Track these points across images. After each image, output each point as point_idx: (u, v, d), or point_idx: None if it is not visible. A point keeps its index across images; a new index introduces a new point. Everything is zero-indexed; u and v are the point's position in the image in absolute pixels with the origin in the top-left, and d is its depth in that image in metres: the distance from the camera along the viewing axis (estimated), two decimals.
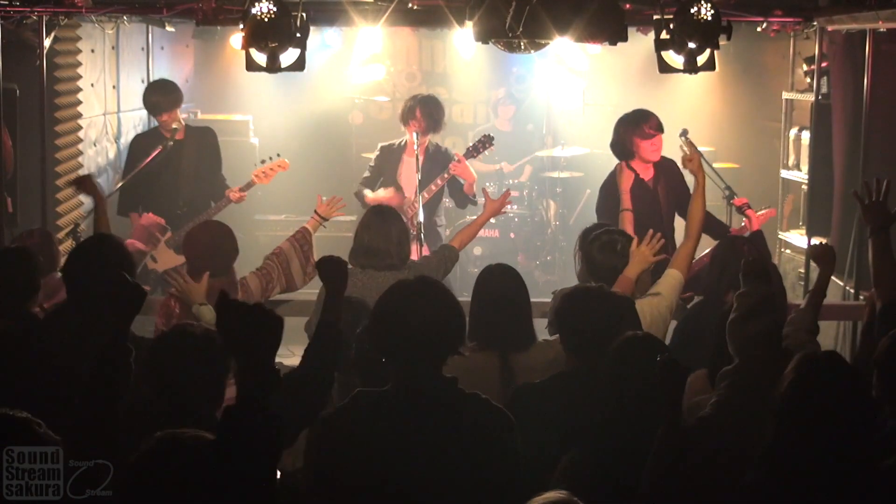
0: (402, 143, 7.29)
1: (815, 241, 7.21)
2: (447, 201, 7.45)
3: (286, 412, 3.26)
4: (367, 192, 7.13)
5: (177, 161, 7.04)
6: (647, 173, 6.20)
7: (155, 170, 6.96)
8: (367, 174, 7.35)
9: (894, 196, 4.52)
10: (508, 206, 9.38)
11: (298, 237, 5.41)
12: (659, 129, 6.14)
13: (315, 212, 5.57)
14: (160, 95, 7.11)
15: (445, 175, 7.05)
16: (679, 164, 5.79)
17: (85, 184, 5.54)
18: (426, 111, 7.05)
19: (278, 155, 6.97)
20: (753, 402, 3.34)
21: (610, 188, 6.21)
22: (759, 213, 6.71)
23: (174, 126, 7.00)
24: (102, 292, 3.60)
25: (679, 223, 6.20)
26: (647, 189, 6.16)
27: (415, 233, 6.53)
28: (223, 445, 2.36)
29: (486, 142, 7.25)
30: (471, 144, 7.31)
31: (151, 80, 9.02)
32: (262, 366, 2.37)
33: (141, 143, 7.17)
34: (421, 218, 6.41)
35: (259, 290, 5.13)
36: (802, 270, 7.36)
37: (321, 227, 5.60)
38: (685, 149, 6.56)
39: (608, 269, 4.71)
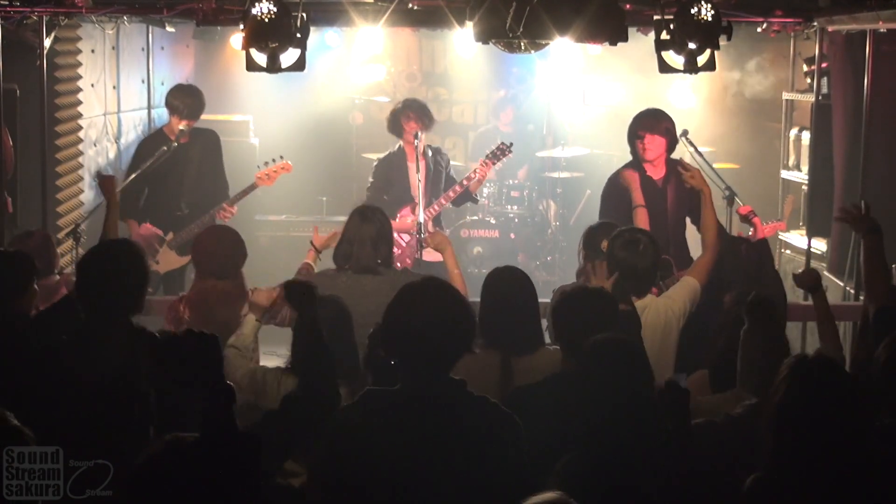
0: (398, 149, 7.26)
1: (815, 246, 7.23)
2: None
3: (289, 431, 3.30)
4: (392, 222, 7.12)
5: (182, 163, 7.01)
6: (657, 172, 6.18)
7: (159, 171, 6.93)
8: (368, 195, 7.26)
9: (883, 197, 4.52)
10: (509, 207, 9.47)
11: (303, 272, 5.38)
12: (651, 129, 6.08)
13: (311, 243, 5.56)
14: (185, 101, 7.00)
15: (465, 182, 7.06)
16: (683, 172, 5.77)
17: (107, 183, 5.37)
18: (416, 112, 7.06)
19: (281, 157, 6.96)
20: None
21: (609, 194, 6.19)
22: (767, 224, 6.66)
23: (181, 128, 6.96)
24: (112, 297, 3.61)
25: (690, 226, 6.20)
26: (655, 188, 6.14)
27: (415, 233, 6.54)
28: (199, 462, 2.36)
29: (504, 150, 7.28)
30: (490, 151, 7.32)
31: (152, 80, 9.03)
32: (214, 384, 2.38)
33: (146, 147, 7.09)
34: (421, 219, 6.40)
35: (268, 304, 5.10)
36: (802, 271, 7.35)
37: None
38: (688, 150, 6.57)
39: (628, 268, 4.70)
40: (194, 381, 2.39)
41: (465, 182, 7.11)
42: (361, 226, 5.10)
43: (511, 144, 7.38)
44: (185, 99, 7.01)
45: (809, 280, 4.66)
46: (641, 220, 5.77)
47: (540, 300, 4.35)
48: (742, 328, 3.76)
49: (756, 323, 3.69)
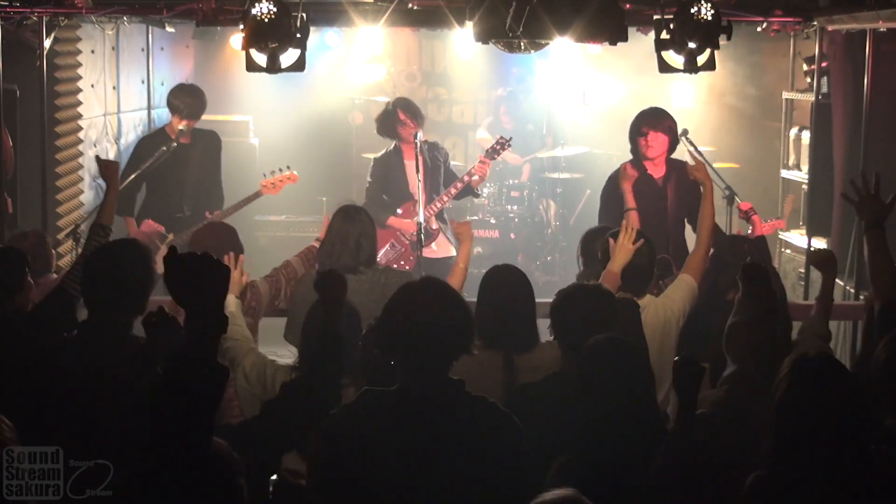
0: (394, 148, 7.24)
1: (815, 246, 7.24)
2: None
3: (292, 417, 3.33)
4: (392, 217, 7.14)
5: (182, 164, 6.99)
6: (657, 171, 6.18)
7: (159, 171, 6.92)
8: (368, 192, 7.24)
9: (886, 189, 4.48)
10: (508, 207, 9.48)
11: (305, 253, 5.46)
12: (654, 126, 6.10)
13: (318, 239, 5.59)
14: (186, 101, 6.98)
15: (465, 178, 7.05)
16: (688, 165, 5.78)
17: (110, 168, 5.16)
18: (409, 111, 7.04)
19: (288, 167, 6.95)
20: (751, 407, 3.33)
21: (609, 194, 6.19)
22: (766, 222, 6.69)
23: (181, 128, 6.94)
24: (116, 298, 3.61)
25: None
26: (655, 187, 6.14)
27: (415, 232, 6.53)
28: (168, 385, 2.36)
29: (504, 143, 7.25)
30: (489, 146, 7.30)
31: (151, 80, 9.03)
32: (214, 310, 2.39)
33: (146, 146, 7.08)
34: (421, 219, 6.40)
35: (268, 295, 5.13)
36: (802, 270, 7.36)
37: None
38: (688, 149, 6.58)
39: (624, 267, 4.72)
40: (191, 301, 2.39)
41: (465, 178, 7.09)
42: (344, 225, 5.11)
43: (510, 139, 7.36)
44: (186, 99, 7.00)
45: (823, 257, 4.65)
46: (634, 223, 5.76)
47: (540, 300, 4.36)
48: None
49: (749, 285, 3.69)
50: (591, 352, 3.35)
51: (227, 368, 2.41)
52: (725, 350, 3.65)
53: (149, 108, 9.09)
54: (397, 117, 7.06)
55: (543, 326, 4.80)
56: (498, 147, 7.23)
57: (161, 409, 2.34)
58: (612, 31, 5.27)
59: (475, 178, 7.17)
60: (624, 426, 3.16)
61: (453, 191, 7.05)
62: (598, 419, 3.21)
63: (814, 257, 4.75)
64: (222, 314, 2.39)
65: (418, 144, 6.78)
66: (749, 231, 6.58)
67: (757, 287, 3.70)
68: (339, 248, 5.05)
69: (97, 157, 5.63)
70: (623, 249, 4.71)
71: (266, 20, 5.14)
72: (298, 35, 5.26)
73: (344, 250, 5.04)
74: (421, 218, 6.39)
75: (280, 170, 6.91)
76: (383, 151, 7.33)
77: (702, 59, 5.39)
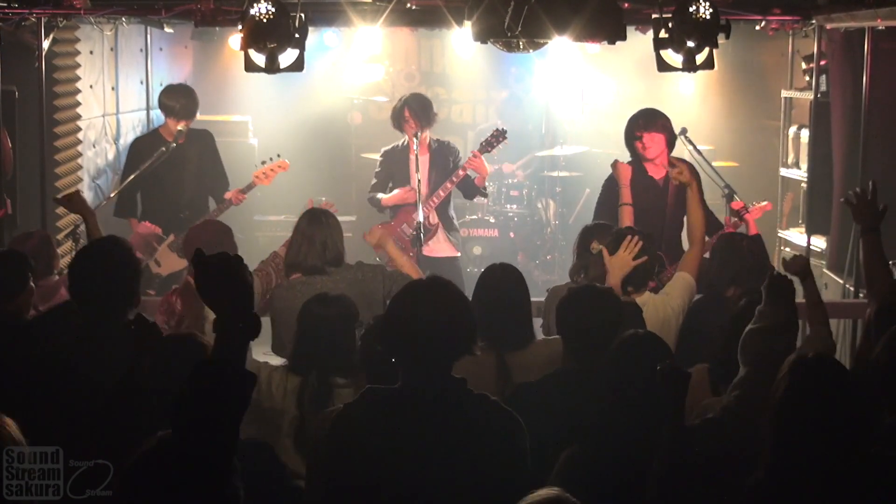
0: (404, 143, 7.25)
1: (815, 244, 7.24)
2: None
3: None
4: (381, 195, 7.15)
5: (179, 165, 7.00)
6: (658, 171, 6.17)
7: (157, 173, 6.92)
8: (374, 181, 7.28)
9: (885, 188, 4.52)
10: (508, 206, 9.48)
11: (290, 241, 5.45)
12: (647, 127, 6.09)
13: None
14: (181, 102, 6.99)
15: (460, 173, 7.02)
16: (671, 170, 5.78)
17: (73, 201, 5.40)
18: (414, 110, 7.01)
19: (279, 156, 6.95)
20: (761, 412, 3.33)
21: (612, 185, 6.19)
22: (754, 206, 6.70)
23: (180, 129, 6.95)
24: (107, 295, 3.63)
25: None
26: (655, 186, 6.14)
27: (414, 232, 6.53)
28: (194, 390, 2.34)
29: (499, 136, 7.19)
30: (484, 139, 7.26)
31: (150, 81, 9.03)
32: (245, 311, 2.38)
33: (141, 146, 7.11)
34: (421, 217, 6.40)
35: (260, 290, 5.16)
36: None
37: None
38: (687, 148, 6.59)
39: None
40: (223, 303, 2.38)
41: (460, 173, 7.04)
42: (310, 228, 5.13)
43: (505, 131, 7.29)
44: (181, 99, 7.01)
45: (798, 266, 4.57)
46: (626, 218, 5.77)
47: (538, 299, 4.36)
48: (746, 321, 3.75)
49: (774, 296, 3.69)
50: (628, 344, 3.38)
51: (254, 375, 2.40)
52: (740, 354, 3.65)
53: (147, 108, 9.09)
54: (402, 114, 7.06)
55: (539, 325, 4.82)
56: (493, 140, 7.19)
57: (186, 415, 2.33)
58: (610, 30, 5.27)
59: (475, 175, 7.15)
60: (644, 422, 3.16)
61: (449, 185, 7.03)
62: (620, 412, 3.22)
63: (792, 268, 4.64)
64: (253, 316, 2.38)
65: (417, 144, 6.79)
66: (741, 227, 6.59)
67: (781, 298, 3.69)
68: (305, 250, 5.09)
69: (55, 199, 5.73)
70: (623, 263, 4.69)
71: (264, 20, 5.13)
72: (297, 35, 5.26)
73: (310, 252, 5.08)
74: (420, 216, 6.40)
75: (271, 159, 6.91)
76: (392, 145, 7.33)
77: (700, 58, 5.38)
